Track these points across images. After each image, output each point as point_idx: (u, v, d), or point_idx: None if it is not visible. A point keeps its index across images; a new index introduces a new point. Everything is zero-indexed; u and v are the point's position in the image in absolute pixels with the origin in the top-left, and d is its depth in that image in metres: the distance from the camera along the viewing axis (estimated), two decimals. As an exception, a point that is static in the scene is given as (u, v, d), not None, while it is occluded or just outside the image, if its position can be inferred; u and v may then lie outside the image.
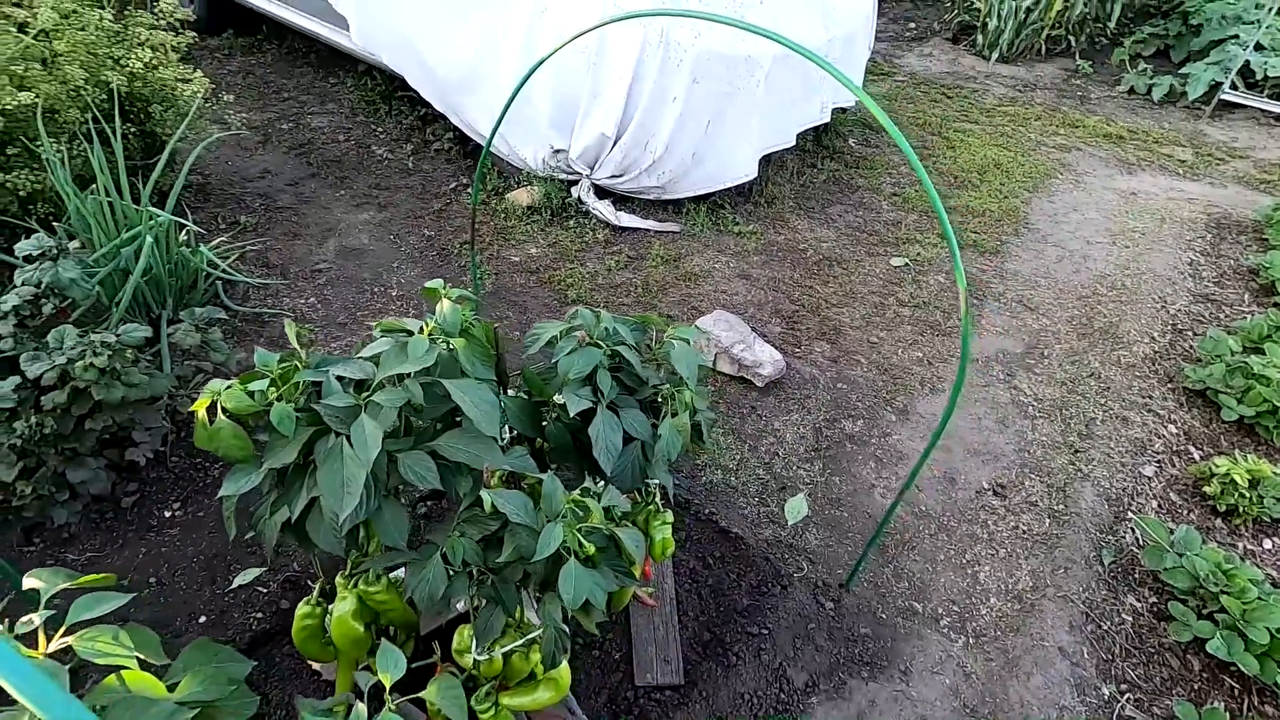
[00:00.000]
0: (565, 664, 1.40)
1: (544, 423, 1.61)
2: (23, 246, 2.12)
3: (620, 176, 3.67)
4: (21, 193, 2.68)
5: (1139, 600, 2.29)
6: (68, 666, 0.85)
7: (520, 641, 1.40)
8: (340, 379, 1.32)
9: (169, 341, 2.44)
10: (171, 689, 0.86)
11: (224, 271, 2.97)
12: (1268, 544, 2.52)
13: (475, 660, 1.39)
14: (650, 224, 3.78)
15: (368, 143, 4.33)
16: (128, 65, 2.98)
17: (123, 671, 0.81)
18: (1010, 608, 2.23)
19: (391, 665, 0.99)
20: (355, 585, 1.43)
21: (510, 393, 1.70)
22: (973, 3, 7.00)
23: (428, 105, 4.09)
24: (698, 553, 2.26)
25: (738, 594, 2.16)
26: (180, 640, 1.90)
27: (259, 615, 1.96)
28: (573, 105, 3.51)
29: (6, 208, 2.73)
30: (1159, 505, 2.62)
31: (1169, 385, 3.15)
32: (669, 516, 1.74)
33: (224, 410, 1.17)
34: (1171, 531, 2.39)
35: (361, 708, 0.94)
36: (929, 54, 6.75)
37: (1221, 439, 2.91)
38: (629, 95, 3.40)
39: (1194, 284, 3.86)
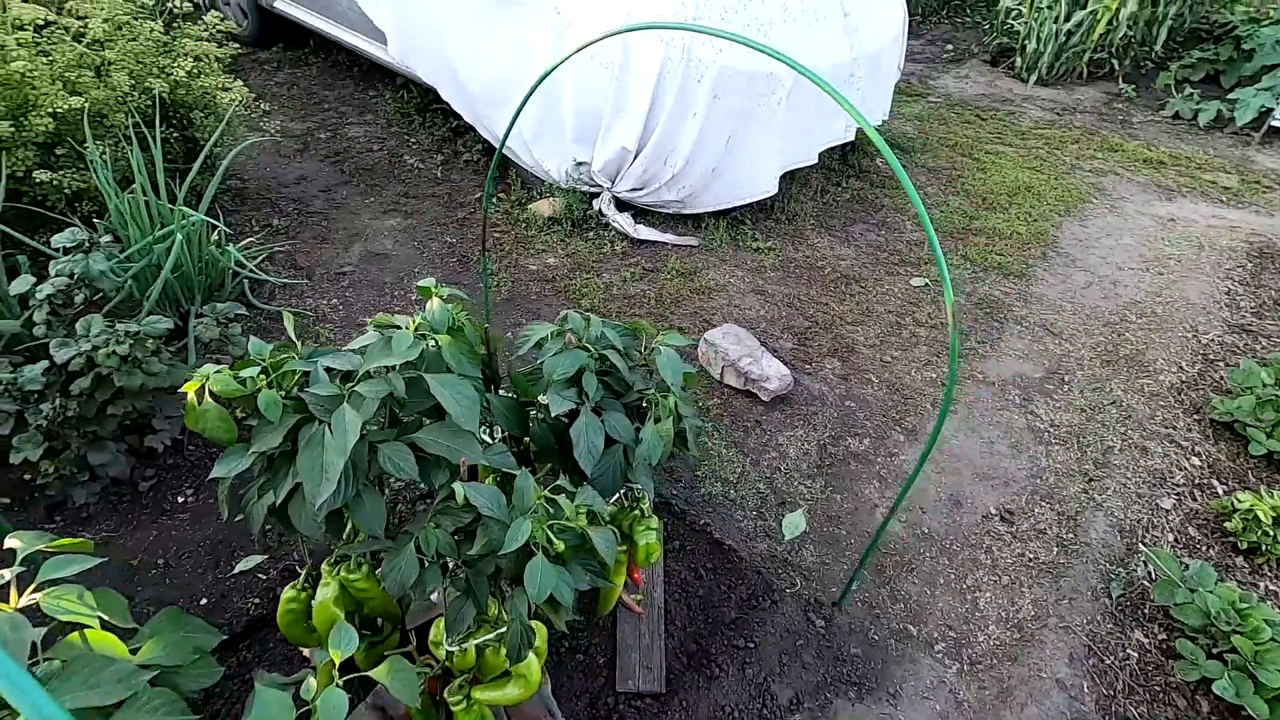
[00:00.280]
0: (534, 660, 1.41)
1: (530, 423, 1.64)
2: (58, 239, 2.25)
3: (640, 190, 3.72)
4: (68, 191, 2.84)
5: (1146, 636, 2.21)
6: (43, 631, 0.89)
7: (492, 635, 1.42)
8: (329, 370, 1.37)
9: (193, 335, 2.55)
10: (135, 653, 0.91)
11: (251, 271, 3.10)
12: (1292, 585, 2.41)
13: (448, 652, 1.41)
14: (669, 237, 3.82)
15: (400, 152, 4.47)
16: (172, 74, 3.15)
17: (86, 630, 0.85)
18: (1009, 636, 2.17)
19: (344, 643, 1.02)
20: (339, 573, 1.48)
21: (501, 392, 1.74)
22: (1012, 25, 6.92)
23: (459, 117, 4.21)
24: (690, 563, 2.26)
25: (727, 606, 2.15)
26: (181, 620, 1.97)
27: (256, 601, 2.02)
28: (595, 119, 3.57)
29: (54, 205, 2.90)
30: (1175, 539, 2.52)
31: (1195, 416, 3.04)
32: (654, 522, 1.75)
33: (210, 394, 1.23)
34: (1186, 567, 2.30)
35: (311, 680, 0.97)
36: (965, 76, 6.68)
37: (1249, 474, 2.80)
38: (650, 110, 3.45)
39: (1230, 314, 3.72)
